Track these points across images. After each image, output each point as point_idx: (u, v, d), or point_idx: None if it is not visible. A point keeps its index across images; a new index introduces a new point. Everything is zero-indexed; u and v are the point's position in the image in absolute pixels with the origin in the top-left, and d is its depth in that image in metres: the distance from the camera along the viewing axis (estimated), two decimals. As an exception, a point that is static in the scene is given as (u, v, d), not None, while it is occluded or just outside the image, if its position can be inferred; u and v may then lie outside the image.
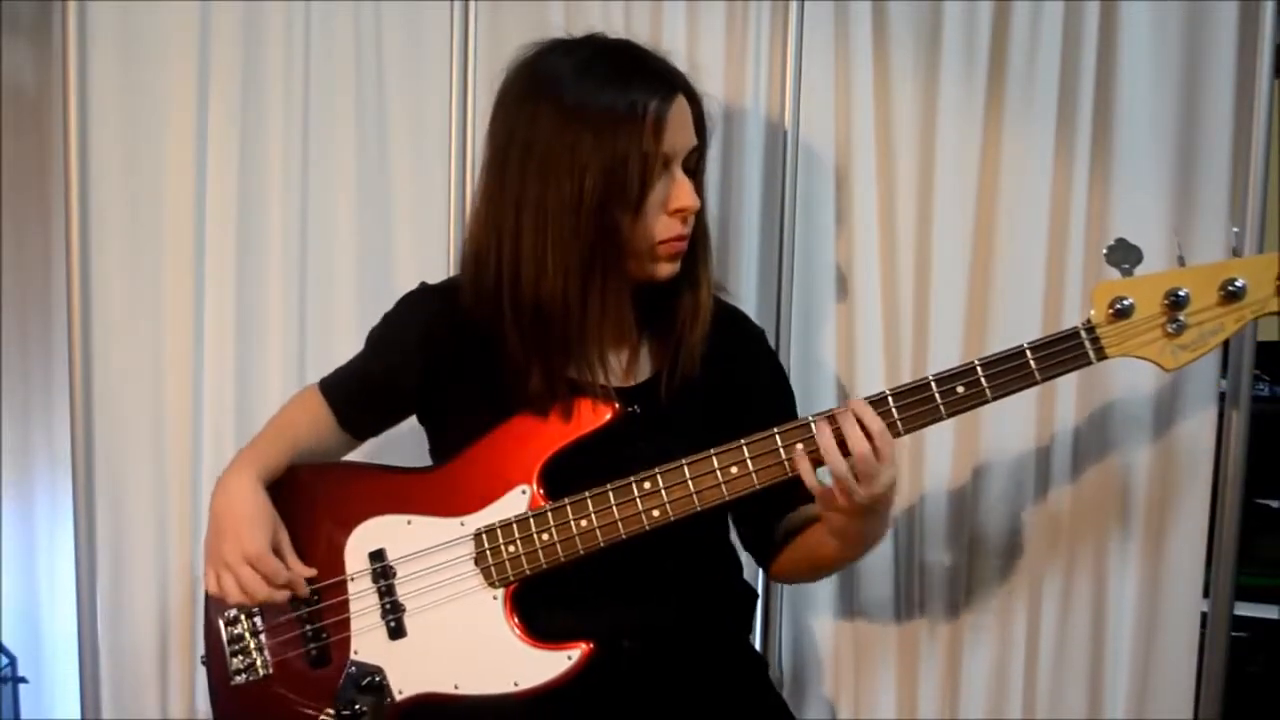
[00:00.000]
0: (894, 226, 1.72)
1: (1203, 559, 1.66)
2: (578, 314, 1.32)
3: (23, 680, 2.08)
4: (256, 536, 1.39)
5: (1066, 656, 1.72)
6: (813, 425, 1.28)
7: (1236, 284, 1.24)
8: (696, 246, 1.39)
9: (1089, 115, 1.64)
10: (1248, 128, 1.59)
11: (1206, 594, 1.67)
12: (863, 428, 1.24)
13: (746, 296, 1.74)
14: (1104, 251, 1.27)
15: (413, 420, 1.52)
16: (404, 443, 1.59)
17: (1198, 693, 1.68)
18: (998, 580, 1.73)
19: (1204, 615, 1.67)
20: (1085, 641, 1.71)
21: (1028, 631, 1.73)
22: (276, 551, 1.41)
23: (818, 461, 1.28)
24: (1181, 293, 1.25)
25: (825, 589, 1.79)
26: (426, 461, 1.49)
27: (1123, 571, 1.68)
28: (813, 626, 1.81)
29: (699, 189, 1.37)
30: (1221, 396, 1.64)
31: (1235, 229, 1.35)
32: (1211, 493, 1.65)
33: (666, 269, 1.36)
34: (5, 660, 2.06)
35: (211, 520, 1.42)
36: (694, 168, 1.37)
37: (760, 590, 1.63)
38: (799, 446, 1.28)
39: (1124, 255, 1.26)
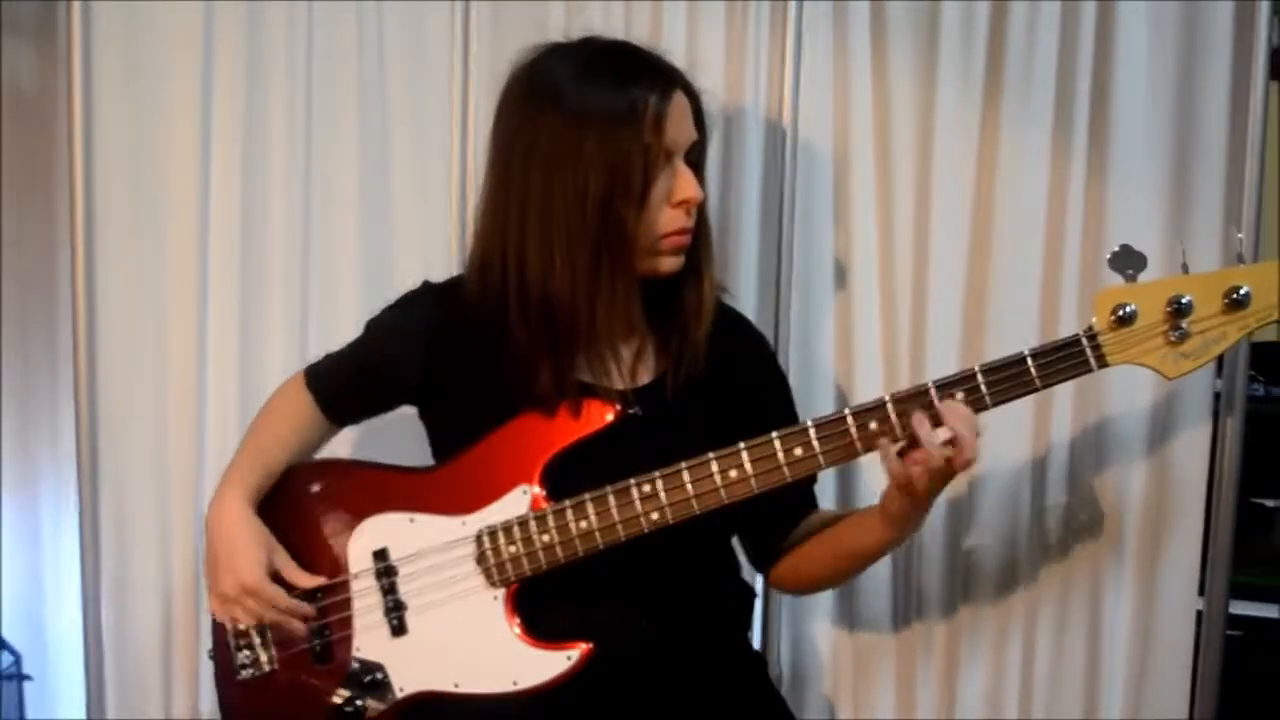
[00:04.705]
0: (892, 226, 1.73)
1: (1198, 558, 1.66)
2: (586, 309, 1.32)
3: (27, 678, 2.08)
4: (252, 566, 1.40)
5: (1063, 654, 1.72)
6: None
7: (1241, 292, 1.22)
8: (699, 241, 1.40)
9: (1085, 115, 1.65)
10: (1243, 129, 1.60)
11: (1202, 593, 1.68)
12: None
13: (746, 297, 1.74)
14: (1107, 257, 1.25)
15: (412, 417, 1.53)
16: (402, 440, 1.60)
17: (1193, 692, 1.69)
18: (993, 581, 1.74)
19: (1199, 614, 1.68)
20: (1081, 640, 1.72)
21: (1024, 630, 1.74)
22: (277, 573, 1.42)
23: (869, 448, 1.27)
24: (1185, 300, 1.23)
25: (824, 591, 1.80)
26: (426, 459, 1.50)
27: (1119, 570, 1.69)
28: (812, 625, 1.82)
29: (700, 182, 1.38)
30: (1216, 397, 1.65)
31: (1240, 234, 1.32)
32: (1207, 492, 1.65)
33: (670, 263, 1.37)
34: (10, 658, 2.07)
35: (207, 549, 1.44)
36: (695, 161, 1.38)
37: (759, 590, 1.63)
38: (873, 425, 1.27)
39: (1127, 261, 1.24)
